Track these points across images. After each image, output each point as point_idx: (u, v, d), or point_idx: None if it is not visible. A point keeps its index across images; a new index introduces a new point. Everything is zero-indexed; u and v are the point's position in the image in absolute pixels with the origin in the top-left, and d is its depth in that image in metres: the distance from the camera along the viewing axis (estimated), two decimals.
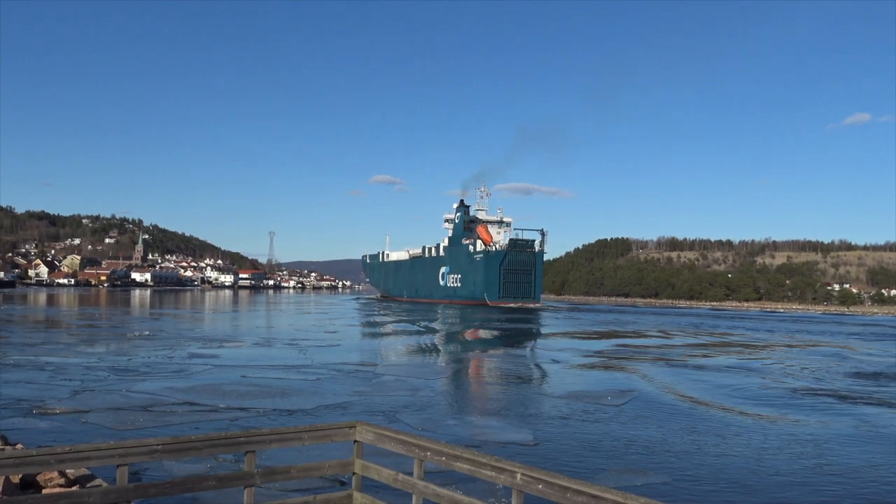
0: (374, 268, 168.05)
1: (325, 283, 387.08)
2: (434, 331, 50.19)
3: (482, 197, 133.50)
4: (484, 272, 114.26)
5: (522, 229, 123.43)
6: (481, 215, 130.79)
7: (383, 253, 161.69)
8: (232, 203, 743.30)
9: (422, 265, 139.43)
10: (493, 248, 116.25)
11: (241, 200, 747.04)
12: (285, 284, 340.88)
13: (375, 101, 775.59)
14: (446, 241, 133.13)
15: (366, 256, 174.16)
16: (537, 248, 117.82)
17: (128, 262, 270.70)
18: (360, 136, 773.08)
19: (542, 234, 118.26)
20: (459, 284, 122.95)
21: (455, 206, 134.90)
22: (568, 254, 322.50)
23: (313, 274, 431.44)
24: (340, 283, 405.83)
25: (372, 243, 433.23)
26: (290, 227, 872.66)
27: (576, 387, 21.82)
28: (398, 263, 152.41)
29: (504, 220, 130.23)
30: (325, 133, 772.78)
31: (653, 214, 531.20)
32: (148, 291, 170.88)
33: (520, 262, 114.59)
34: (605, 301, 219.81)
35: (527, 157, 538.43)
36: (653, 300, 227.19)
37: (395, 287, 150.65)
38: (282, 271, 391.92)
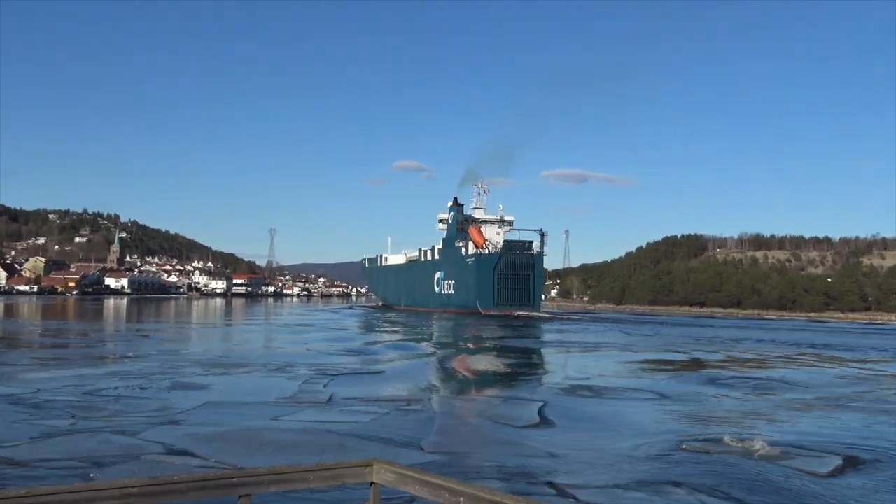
0: (372, 273, 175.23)
1: (335, 290, 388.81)
2: (447, 347, 50.54)
3: (480, 194, 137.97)
4: (476, 277, 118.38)
5: (521, 230, 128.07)
6: (478, 214, 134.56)
7: (381, 256, 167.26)
8: (225, 196, 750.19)
9: (419, 270, 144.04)
10: (486, 251, 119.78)
11: (236, 192, 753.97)
12: (288, 292, 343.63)
13: (392, 81, 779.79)
14: (441, 243, 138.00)
15: (365, 260, 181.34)
16: (536, 249, 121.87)
17: (101, 265, 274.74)
18: (379, 119, 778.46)
19: (542, 234, 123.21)
20: (453, 291, 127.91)
21: (449, 204, 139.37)
22: (629, 254, 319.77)
23: (321, 279, 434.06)
24: (354, 289, 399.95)
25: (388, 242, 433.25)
26: (294, 224, 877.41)
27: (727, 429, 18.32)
28: (397, 268, 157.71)
29: (505, 218, 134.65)
30: (344, 113, 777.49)
31: (732, 207, 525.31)
32: (124, 300, 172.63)
33: (516, 266, 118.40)
34: (673, 311, 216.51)
35: (562, 125, 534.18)
36: (735, 310, 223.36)
37: (394, 294, 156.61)
38: (284, 275, 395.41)
